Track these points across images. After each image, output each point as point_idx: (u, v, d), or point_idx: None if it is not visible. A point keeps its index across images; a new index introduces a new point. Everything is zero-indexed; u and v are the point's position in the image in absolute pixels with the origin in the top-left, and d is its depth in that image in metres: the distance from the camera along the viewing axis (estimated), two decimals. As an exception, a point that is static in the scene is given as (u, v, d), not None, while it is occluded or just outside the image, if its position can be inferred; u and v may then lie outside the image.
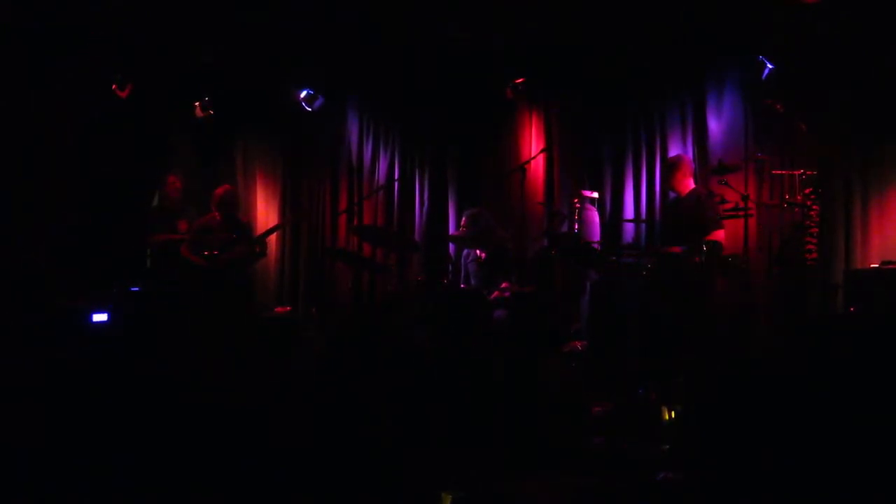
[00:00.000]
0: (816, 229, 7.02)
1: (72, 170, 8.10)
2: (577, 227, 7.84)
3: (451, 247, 9.08)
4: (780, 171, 7.18)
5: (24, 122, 7.84)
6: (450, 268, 8.57)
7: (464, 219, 7.99)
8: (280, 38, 8.12)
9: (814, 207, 6.87)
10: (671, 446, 4.15)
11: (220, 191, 8.20)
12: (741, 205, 6.73)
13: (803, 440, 1.57)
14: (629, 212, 8.49)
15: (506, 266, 7.87)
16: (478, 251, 7.79)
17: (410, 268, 9.23)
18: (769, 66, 7.27)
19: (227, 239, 7.92)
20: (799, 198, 6.97)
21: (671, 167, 7.48)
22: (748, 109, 7.94)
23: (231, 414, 3.16)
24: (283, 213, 10.08)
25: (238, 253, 7.93)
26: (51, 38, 7.35)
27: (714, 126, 8.16)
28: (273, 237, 8.78)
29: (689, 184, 7.36)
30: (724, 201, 6.99)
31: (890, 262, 6.62)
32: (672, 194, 7.54)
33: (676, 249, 6.89)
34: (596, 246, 7.43)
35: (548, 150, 8.91)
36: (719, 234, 6.99)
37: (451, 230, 9.28)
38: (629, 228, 8.43)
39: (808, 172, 6.95)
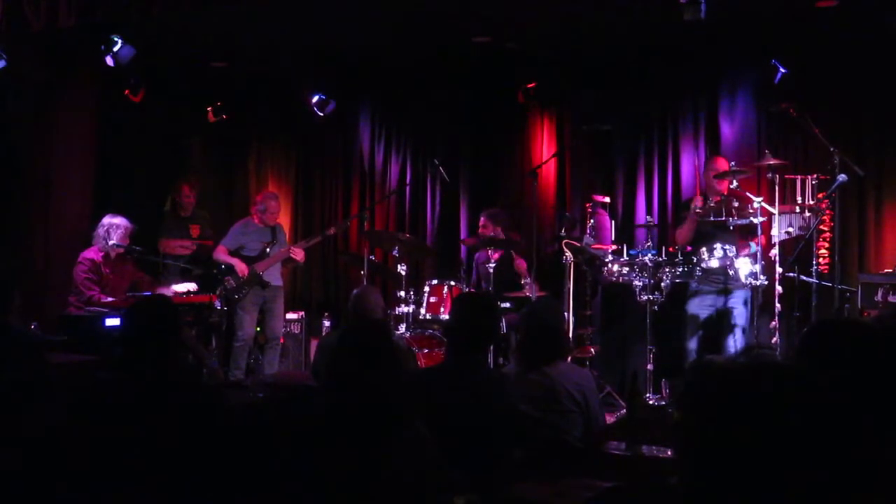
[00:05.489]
0: (830, 234, 7.00)
1: (86, 173, 8.14)
2: (588, 231, 7.83)
3: (463, 251, 9.10)
4: (792, 176, 7.15)
5: (41, 126, 7.89)
6: (462, 272, 8.58)
7: (482, 218, 8.04)
8: (292, 41, 8.14)
9: (827, 212, 6.85)
10: (680, 449, 4.14)
11: (261, 196, 8.33)
12: (753, 209, 6.72)
13: (810, 444, 1.56)
14: (641, 216, 8.47)
15: (518, 270, 7.89)
16: (490, 254, 7.79)
17: (423, 272, 9.22)
18: (782, 69, 7.24)
19: (264, 241, 8.04)
20: (812, 202, 6.94)
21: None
22: (761, 113, 7.92)
23: (238, 414, 3.16)
24: (295, 218, 10.14)
25: (276, 257, 8.03)
26: (72, 39, 7.39)
27: (727, 130, 8.15)
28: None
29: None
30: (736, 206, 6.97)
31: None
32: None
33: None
34: (608, 250, 7.43)
35: (559, 154, 8.91)
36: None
37: (463, 235, 9.29)
38: (641, 233, 8.42)
39: (821, 177, 6.93)
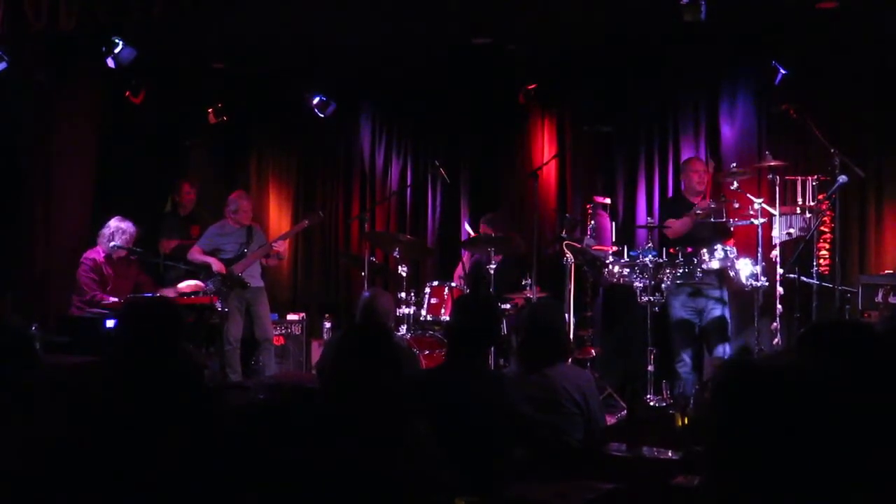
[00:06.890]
0: (830, 235, 7.00)
1: (87, 174, 8.14)
2: (589, 232, 7.83)
3: (465, 253, 9.09)
4: (793, 177, 7.15)
5: (42, 127, 7.88)
6: (462, 274, 8.57)
7: (482, 226, 8.08)
8: (292, 42, 8.14)
9: (828, 213, 6.85)
10: (685, 450, 4.14)
11: (234, 195, 8.26)
12: (754, 210, 6.72)
13: (815, 444, 1.56)
14: (642, 217, 8.47)
15: (519, 272, 7.88)
16: (492, 256, 7.78)
17: (424, 273, 9.22)
18: (782, 70, 7.24)
19: (240, 243, 8.00)
20: (812, 203, 6.94)
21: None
22: (761, 114, 7.92)
23: (239, 415, 3.15)
24: (295, 218, 10.13)
25: (254, 256, 7.99)
26: (71, 42, 7.39)
27: (727, 131, 8.14)
28: (289, 241, 8.78)
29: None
30: (737, 207, 6.98)
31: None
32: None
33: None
34: (608, 251, 7.43)
35: (560, 155, 8.91)
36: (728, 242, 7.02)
37: (464, 236, 9.29)
38: (641, 234, 8.42)
39: (821, 178, 6.93)
